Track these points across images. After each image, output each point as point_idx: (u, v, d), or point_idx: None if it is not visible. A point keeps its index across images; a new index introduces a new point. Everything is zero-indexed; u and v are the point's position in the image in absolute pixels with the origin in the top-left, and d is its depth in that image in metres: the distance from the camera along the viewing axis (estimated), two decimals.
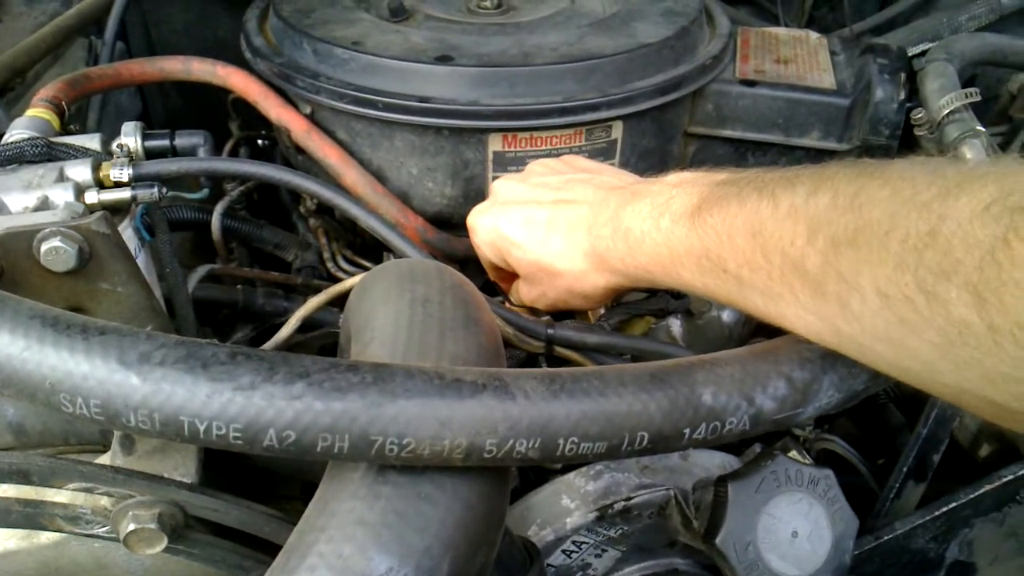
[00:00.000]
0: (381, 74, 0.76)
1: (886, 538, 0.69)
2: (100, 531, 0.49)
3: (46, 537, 0.52)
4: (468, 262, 0.76)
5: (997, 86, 1.01)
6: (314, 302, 0.69)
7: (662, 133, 0.82)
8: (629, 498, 0.59)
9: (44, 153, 0.60)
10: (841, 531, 0.53)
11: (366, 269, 0.82)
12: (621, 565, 0.62)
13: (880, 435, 0.84)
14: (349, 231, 0.88)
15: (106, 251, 0.51)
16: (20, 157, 0.60)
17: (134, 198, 0.60)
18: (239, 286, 0.79)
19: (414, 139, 0.77)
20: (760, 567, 0.51)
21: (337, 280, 0.80)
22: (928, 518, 0.69)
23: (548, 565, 0.60)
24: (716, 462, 0.64)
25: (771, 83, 0.84)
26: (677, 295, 0.73)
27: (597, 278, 0.61)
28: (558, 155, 0.75)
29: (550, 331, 0.67)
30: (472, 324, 0.45)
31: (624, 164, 0.81)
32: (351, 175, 0.78)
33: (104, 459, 0.53)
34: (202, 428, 0.34)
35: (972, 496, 0.69)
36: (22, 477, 0.47)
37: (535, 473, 0.66)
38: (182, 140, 0.74)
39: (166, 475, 0.51)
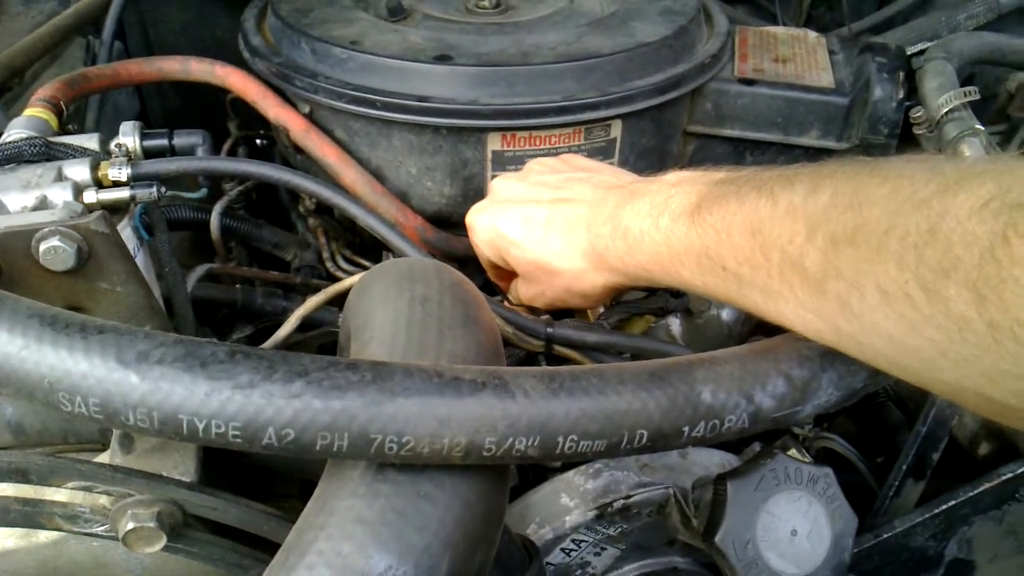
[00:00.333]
0: (379, 73, 0.76)
1: (885, 536, 0.69)
2: (99, 530, 0.49)
3: (45, 536, 0.52)
4: (467, 261, 0.76)
5: (995, 85, 1.01)
6: (313, 301, 0.69)
7: (661, 132, 0.82)
8: (628, 496, 0.59)
9: (42, 153, 0.60)
10: (840, 529, 0.53)
11: (365, 268, 0.82)
12: (620, 563, 0.62)
13: (879, 433, 0.84)
14: (348, 230, 0.88)
15: (105, 250, 0.51)
16: (18, 157, 0.60)
17: (133, 197, 0.60)
18: (238, 285, 0.79)
19: (413, 138, 0.77)
20: (759, 565, 0.51)
21: (336, 279, 0.80)
22: (927, 516, 0.69)
23: (547, 563, 0.60)
24: (715, 460, 0.64)
25: (770, 82, 0.84)
26: (676, 294, 0.73)
27: (596, 277, 0.61)
28: (557, 154, 0.75)
29: (549, 330, 0.67)
30: (471, 323, 0.45)
31: (623, 163, 0.81)
32: (350, 174, 0.78)
33: (103, 458, 0.53)
34: (201, 426, 0.34)
35: (971, 494, 0.69)
36: (21, 476, 0.47)
37: (534, 471, 0.66)
38: (180, 140, 0.74)
39: (165, 474, 0.51)
